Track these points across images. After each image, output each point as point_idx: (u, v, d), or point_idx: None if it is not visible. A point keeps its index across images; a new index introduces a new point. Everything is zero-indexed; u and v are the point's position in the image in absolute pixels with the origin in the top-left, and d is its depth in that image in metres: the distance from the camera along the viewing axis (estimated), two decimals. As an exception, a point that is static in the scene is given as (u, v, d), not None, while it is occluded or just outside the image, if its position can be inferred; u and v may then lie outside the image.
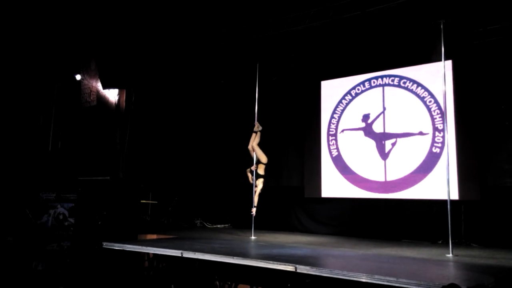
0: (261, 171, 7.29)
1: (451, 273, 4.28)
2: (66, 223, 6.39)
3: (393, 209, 7.62)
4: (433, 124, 7.36)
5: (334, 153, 8.37)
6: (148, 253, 5.94)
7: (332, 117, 8.51)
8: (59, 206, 6.53)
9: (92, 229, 6.12)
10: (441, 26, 5.91)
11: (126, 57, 8.57)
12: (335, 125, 8.46)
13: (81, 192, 6.40)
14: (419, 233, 7.22)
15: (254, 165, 7.25)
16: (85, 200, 6.36)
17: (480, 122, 7.01)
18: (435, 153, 7.25)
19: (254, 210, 7.14)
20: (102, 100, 8.91)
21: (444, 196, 5.88)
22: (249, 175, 7.31)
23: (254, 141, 7.37)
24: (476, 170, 6.90)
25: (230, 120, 9.88)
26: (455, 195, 6.83)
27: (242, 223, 8.78)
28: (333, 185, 8.31)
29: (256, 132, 7.40)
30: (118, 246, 5.60)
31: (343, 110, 8.40)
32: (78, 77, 9.36)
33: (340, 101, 8.44)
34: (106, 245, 5.67)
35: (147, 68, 8.97)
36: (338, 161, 8.30)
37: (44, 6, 8.04)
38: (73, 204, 6.40)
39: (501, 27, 6.85)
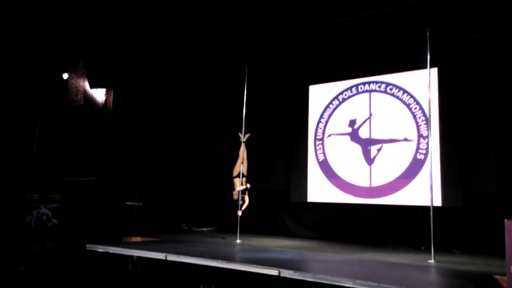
0: (244, 184, 7.25)
1: (432, 279, 4.33)
2: (49, 224, 6.33)
3: (377, 214, 7.68)
4: (418, 130, 7.45)
5: (321, 157, 8.42)
6: (132, 256, 5.89)
7: (319, 121, 8.56)
8: (42, 206, 6.46)
9: (76, 230, 6.08)
10: (427, 34, 6.01)
11: (115, 57, 8.51)
12: (322, 129, 8.51)
13: (65, 193, 6.34)
14: (403, 238, 7.29)
15: (241, 185, 7.18)
16: (69, 201, 6.31)
17: (464, 129, 7.11)
18: (419, 159, 7.34)
19: (240, 212, 7.16)
20: (89, 99, 8.83)
21: (427, 203, 5.95)
22: (238, 194, 7.23)
23: (244, 153, 7.33)
24: (459, 177, 6.99)
25: (217, 123, 9.87)
26: (438, 202, 6.91)
27: (228, 226, 8.76)
28: (319, 190, 8.35)
29: (245, 142, 7.35)
30: (101, 249, 5.55)
31: (330, 115, 8.45)
32: (65, 76, 9.26)
33: (328, 106, 8.50)
34: (90, 247, 5.60)
35: (135, 69, 8.92)
36: (325, 166, 8.34)
37: (31, 4, 7.96)
38: (57, 205, 6.35)
39: (486, 36, 6.97)
